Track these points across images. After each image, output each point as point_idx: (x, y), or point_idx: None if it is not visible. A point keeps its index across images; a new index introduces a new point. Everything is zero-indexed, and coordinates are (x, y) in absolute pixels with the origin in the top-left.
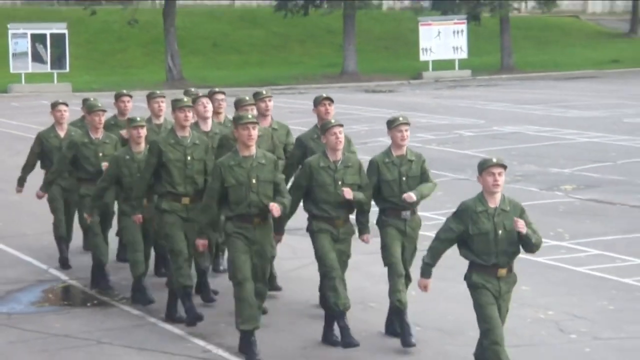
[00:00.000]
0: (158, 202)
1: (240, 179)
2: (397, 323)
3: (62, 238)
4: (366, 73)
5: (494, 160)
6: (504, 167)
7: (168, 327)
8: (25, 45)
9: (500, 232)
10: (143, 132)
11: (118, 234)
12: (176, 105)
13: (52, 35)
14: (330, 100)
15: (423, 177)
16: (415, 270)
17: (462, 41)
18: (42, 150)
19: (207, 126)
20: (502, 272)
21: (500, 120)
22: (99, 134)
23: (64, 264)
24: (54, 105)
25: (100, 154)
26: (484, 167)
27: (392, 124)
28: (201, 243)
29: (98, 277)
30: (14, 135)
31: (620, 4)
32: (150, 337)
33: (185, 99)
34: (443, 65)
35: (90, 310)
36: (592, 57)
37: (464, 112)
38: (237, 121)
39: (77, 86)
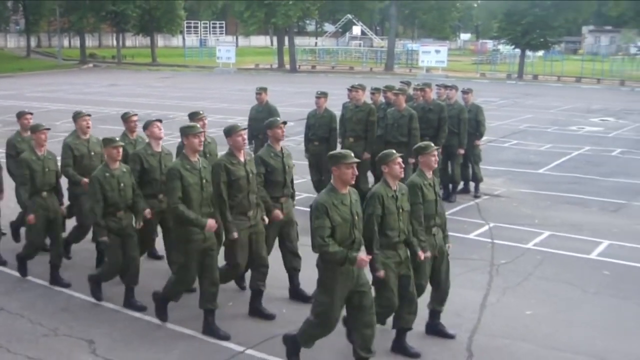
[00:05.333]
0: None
1: (345, 217)
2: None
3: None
4: None
5: None
6: None
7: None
8: None
9: None
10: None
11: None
12: (189, 132)
13: None
14: (284, 122)
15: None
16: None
17: None
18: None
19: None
20: None
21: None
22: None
23: None
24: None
25: (47, 169)
26: None
27: (425, 150)
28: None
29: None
30: None
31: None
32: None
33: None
34: None
35: None
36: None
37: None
38: (341, 160)
39: None
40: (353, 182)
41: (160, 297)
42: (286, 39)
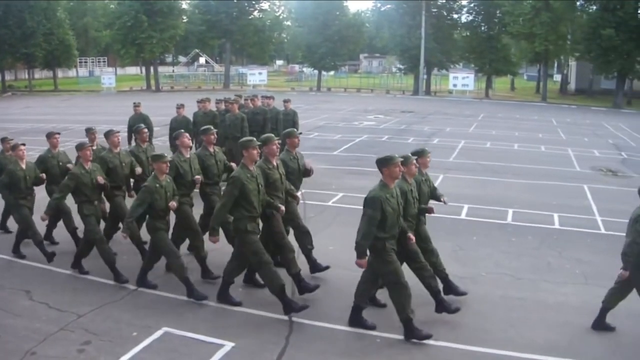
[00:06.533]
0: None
1: (395, 208)
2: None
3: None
4: None
5: None
6: None
7: None
8: None
9: None
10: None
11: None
12: (250, 145)
13: None
14: (300, 133)
15: None
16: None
17: None
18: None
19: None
20: None
21: None
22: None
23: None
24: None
25: (94, 180)
26: None
27: (423, 154)
28: (361, 262)
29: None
30: None
31: None
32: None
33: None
34: None
35: None
36: None
37: None
38: (389, 161)
39: None
40: (400, 178)
41: (223, 282)
42: (151, 68)
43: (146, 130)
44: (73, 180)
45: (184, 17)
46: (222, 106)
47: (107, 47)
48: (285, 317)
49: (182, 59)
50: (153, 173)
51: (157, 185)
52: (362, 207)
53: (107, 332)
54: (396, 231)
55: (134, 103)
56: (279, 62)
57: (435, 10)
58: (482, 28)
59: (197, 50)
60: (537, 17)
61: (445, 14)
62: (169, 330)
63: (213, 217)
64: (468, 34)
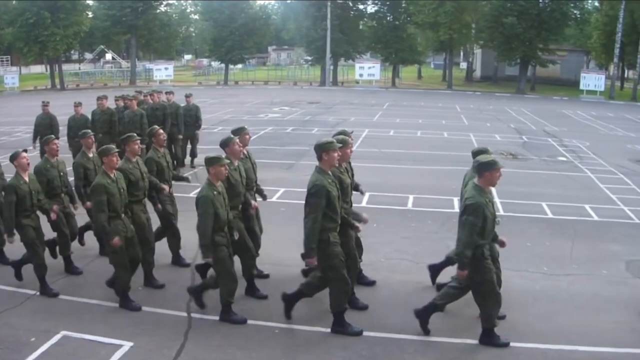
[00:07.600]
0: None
1: (492, 212)
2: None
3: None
4: None
5: None
6: None
7: None
8: None
9: None
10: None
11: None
12: (330, 147)
13: None
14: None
15: None
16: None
17: None
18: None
19: None
20: None
21: None
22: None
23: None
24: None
25: (122, 190)
26: None
27: (493, 166)
28: (464, 274)
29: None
30: None
31: None
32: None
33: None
34: None
35: None
36: None
37: None
38: (493, 167)
39: None
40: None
41: (336, 312)
42: (56, 66)
43: (163, 132)
44: (103, 193)
45: (89, 13)
46: (121, 103)
47: (10, 45)
48: (184, 314)
49: (88, 55)
50: (207, 180)
51: (215, 192)
52: (459, 216)
53: (4, 339)
54: (492, 236)
55: (43, 102)
56: (187, 57)
57: (341, 1)
58: (388, 18)
59: (102, 47)
60: (442, 7)
61: (350, 4)
62: (67, 334)
63: (309, 237)
64: (374, 24)
